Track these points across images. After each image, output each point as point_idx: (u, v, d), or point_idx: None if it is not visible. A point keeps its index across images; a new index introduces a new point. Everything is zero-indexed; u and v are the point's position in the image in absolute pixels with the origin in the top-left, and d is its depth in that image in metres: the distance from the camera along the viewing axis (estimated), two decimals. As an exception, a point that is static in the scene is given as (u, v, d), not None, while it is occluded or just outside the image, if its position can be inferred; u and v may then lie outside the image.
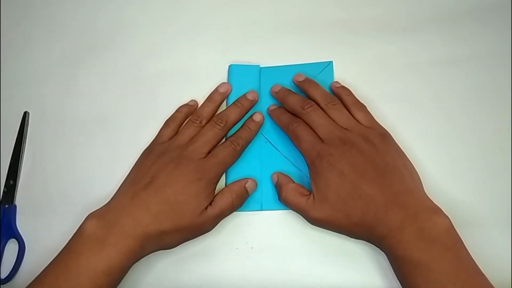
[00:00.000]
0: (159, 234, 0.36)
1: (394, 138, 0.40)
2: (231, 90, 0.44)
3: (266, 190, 0.41)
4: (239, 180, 0.41)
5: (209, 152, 0.39)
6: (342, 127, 0.38)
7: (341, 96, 0.41)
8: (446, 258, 0.31)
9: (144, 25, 0.49)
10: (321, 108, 0.40)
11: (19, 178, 0.46)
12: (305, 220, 0.38)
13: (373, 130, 0.39)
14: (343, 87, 0.42)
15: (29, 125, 0.48)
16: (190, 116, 0.43)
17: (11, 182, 0.45)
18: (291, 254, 0.40)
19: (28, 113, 0.48)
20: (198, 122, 0.41)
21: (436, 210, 0.34)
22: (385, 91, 0.43)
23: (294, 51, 0.46)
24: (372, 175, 0.35)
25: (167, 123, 0.43)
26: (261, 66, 0.46)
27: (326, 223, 0.37)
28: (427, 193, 0.36)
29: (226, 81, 0.46)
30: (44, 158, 0.46)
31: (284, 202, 0.39)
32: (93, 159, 0.45)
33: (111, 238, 0.34)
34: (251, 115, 0.43)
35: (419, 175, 0.38)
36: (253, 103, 0.43)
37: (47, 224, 0.44)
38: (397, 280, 0.34)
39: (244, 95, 0.43)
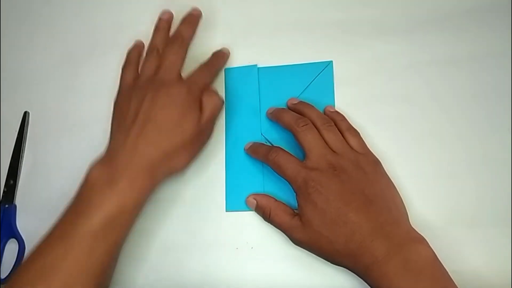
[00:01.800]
0: (165, 158, 0.36)
1: (394, 138, 0.40)
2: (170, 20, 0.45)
3: (268, 189, 0.41)
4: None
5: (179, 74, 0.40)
6: (335, 151, 0.37)
7: (335, 121, 0.40)
8: None
9: (144, 25, 0.49)
10: (316, 127, 0.39)
11: (19, 178, 0.46)
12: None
13: (365, 157, 0.38)
14: (337, 112, 0.42)
15: (29, 125, 0.48)
16: (145, 51, 0.43)
17: (11, 182, 0.45)
18: (291, 254, 0.40)
19: (28, 113, 0.48)
20: (155, 51, 0.41)
21: (420, 241, 0.33)
22: (385, 91, 0.43)
23: (293, 51, 0.46)
24: (359, 203, 0.34)
25: (125, 66, 0.43)
26: (259, 66, 0.46)
27: (309, 246, 0.36)
28: (415, 218, 0.36)
29: (223, 85, 0.46)
30: (44, 158, 0.46)
31: (272, 221, 0.39)
32: (93, 159, 0.45)
33: (118, 176, 0.34)
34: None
35: (419, 176, 0.38)
36: (199, 15, 0.44)
37: (47, 224, 0.44)
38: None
39: (191, 11, 0.44)
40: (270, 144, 0.43)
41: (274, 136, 0.43)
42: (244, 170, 0.42)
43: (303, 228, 0.36)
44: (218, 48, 0.47)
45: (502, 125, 0.41)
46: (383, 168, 0.38)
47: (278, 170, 0.38)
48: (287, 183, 0.38)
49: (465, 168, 0.40)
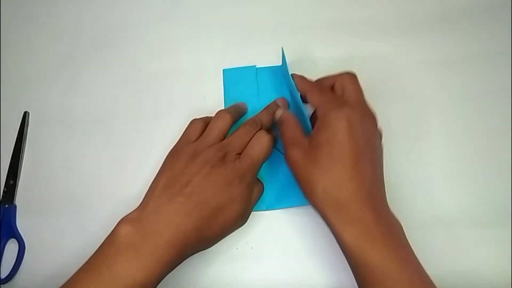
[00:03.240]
0: (199, 238, 0.34)
1: (393, 138, 0.40)
2: (244, 108, 0.43)
3: (269, 190, 0.41)
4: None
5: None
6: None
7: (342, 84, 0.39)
8: (391, 258, 0.31)
9: (144, 25, 0.49)
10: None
11: (19, 178, 0.46)
12: (305, 218, 0.38)
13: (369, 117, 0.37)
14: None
15: (29, 125, 0.48)
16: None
17: (11, 182, 0.45)
18: (291, 254, 0.40)
19: (28, 113, 0.48)
20: (227, 116, 0.39)
21: (395, 222, 0.33)
22: (384, 91, 0.43)
23: (293, 51, 0.46)
24: (367, 160, 0.34)
25: (193, 121, 0.41)
26: (258, 66, 0.46)
27: (297, 171, 0.36)
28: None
29: (222, 84, 0.46)
30: (44, 158, 0.46)
31: (283, 132, 0.38)
32: (93, 159, 0.45)
33: (149, 246, 0.32)
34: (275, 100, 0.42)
35: (419, 176, 0.38)
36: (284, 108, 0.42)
37: (47, 224, 0.44)
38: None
39: (274, 101, 0.42)
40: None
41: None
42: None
43: (305, 149, 0.35)
44: (218, 47, 0.47)
45: (502, 125, 0.41)
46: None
47: (317, 92, 0.38)
48: (288, 181, 0.38)
49: (465, 168, 0.40)
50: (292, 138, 0.37)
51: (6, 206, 0.44)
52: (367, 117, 0.36)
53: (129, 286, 0.31)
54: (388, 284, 0.31)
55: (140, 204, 0.35)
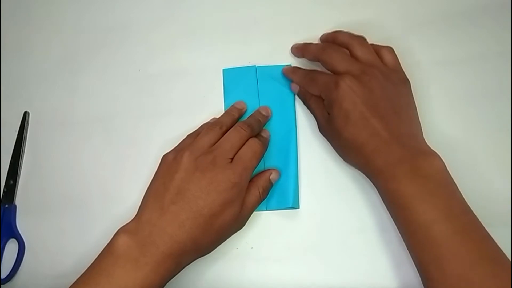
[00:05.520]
0: (195, 245, 0.34)
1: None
2: (246, 109, 0.44)
3: (270, 191, 0.41)
4: (262, 172, 0.40)
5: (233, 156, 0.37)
6: (366, 63, 0.38)
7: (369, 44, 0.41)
8: (437, 195, 0.32)
9: (144, 25, 0.49)
10: (347, 47, 0.40)
11: (19, 178, 0.46)
12: (305, 219, 0.39)
13: (396, 73, 0.39)
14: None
15: (29, 125, 0.48)
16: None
17: (11, 182, 0.45)
18: (290, 254, 0.40)
19: (28, 113, 0.48)
20: (218, 127, 0.39)
21: (433, 154, 0.35)
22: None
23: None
24: (383, 111, 0.36)
25: (189, 135, 0.41)
26: (258, 66, 0.46)
27: (330, 139, 0.41)
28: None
29: (222, 84, 0.46)
30: (44, 158, 0.46)
31: (309, 106, 0.42)
32: (93, 159, 0.45)
33: (146, 257, 0.32)
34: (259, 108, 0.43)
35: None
36: (269, 117, 0.43)
37: (47, 224, 0.44)
38: (398, 280, 0.34)
39: (265, 107, 0.43)
40: (273, 144, 0.42)
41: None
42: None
43: (327, 121, 0.39)
44: (218, 47, 0.47)
45: (502, 126, 0.41)
46: (411, 88, 0.39)
47: (326, 59, 0.40)
48: (288, 182, 0.38)
49: (465, 168, 0.40)
50: (317, 111, 0.41)
51: (6, 206, 0.44)
52: (370, 72, 0.37)
53: None
54: (436, 219, 0.32)
55: (137, 213, 0.36)
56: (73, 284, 0.33)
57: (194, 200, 0.34)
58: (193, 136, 0.40)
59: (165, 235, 0.33)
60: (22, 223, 0.44)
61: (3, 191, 0.45)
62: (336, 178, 0.41)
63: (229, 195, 0.35)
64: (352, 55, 0.40)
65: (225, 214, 0.35)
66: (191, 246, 0.34)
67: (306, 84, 0.42)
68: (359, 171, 0.38)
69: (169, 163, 0.37)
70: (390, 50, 0.40)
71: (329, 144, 0.41)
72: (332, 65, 0.39)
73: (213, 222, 0.34)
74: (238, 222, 0.37)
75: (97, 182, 0.44)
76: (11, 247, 0.43)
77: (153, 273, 0.32)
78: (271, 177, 0.40)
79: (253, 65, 0.46)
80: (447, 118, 0.42)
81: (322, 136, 0.42)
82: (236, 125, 0.39)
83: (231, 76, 0.46)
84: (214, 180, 0.35)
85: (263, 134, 0.42)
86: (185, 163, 0.36)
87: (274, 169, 0.41)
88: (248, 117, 0.42)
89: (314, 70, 0.42)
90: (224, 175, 0.35)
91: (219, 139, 0.38)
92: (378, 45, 0.41)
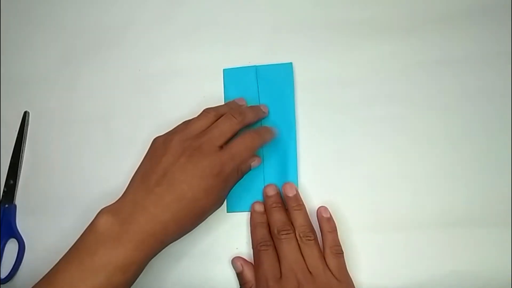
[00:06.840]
0: (178, 226, 0.35)
1: (393, 138, 0.40)
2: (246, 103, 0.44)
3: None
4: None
5: (222, 146, 0.37)
6: (308, 270, 0.36)
7: (322, 229, 0.39)
8: None
9: (144, 25, 0.49)
10: (297, 236, 0.38)
11: (19, 178, 0.46)
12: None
13: (340, 284, 0.36)
14: (329, 219, 0.39)
15: (29, 125, 0.48)
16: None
17: (11, 182, 0.45)
18: (291, 254, 0.40)
19: (28, 113, 0.48)
20: (211, 114, 0.39)
21: None
22: (382, 91, 0.43)
23: (292, 51, 0.46)
24: None
25: (185, 121, 0.41)
26: (257, 66, 0.46)
27: None
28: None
29: (222, 83, 0.46)
30: (44, 158, 0.46)
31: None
32: (93, 159, 0.45)
33: (128, 235, 0.33)
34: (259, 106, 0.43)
35: (419, 176, 0.38)
36: (266, 114, 0.43)
37: (47, 224, 0.44)
38: (398, 280, 0.34)
39: (262, 106, 0.43)
40: (270, 144, 0.42)
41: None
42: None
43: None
44: (218, 47, 0.47)
45: (502, 125, 0.41)
46: None
47: (256, 263, 0.38)
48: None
49: (465, 168, 0.40)
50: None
51: (6, 206, 0.44)
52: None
53: (111, 273, 0.32)
54: None
55: (123, 194, 0.36)
56: (57, 263, 0.34)
57: (179, 184, 0.35)
58: (187, 122, 0.40)
59: (148, 214, 0.34)
60: (22, 223, 0.44)
61: (3, 191, 0.45)
62: (336, 178, 0.41)
63: (213, 182, 0.35)
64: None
65: (208, 199, 0.36)
66: (174, 226, 0.35)
67: (254, 253, 0.39)
68: (358, 172, 0.37)
69: (158, 146, 0.38)
70: (337, 252, 0.38)
71: (329, 144, 0.42)
72: (279, 256, 0.38)
73: (196, 205, 0.35)
74: (219, 204, 0.38)
75: (97, 182, 0.44)
76: (11, 247, 0.43)
77: (135, 251, 0.33)
78: (252, 164, 0.40)
79: (253, 65, 0.46)
80: (447, 118, 0.42)
81: (322, 136, 0.42)
82: (227, 112, 0.39)
83: (231, 76, 0.46)
84: (199, 165, 0.35)
85: (264, 127, 0.41)
86: (173, 147, 0.36)
87: (257, 157, 0.41)
88: (248, 107, 0.42)
89: (267, 249, 0.38)
90: (209, 161, 0.36)
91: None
92: (326, 243, 0.38)
